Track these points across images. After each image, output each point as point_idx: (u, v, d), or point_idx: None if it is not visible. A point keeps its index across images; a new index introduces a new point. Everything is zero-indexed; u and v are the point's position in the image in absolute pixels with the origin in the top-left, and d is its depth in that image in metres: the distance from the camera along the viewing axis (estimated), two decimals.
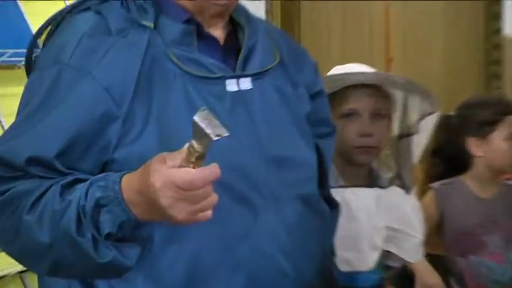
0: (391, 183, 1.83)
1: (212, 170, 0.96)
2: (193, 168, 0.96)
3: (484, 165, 2.21)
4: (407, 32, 4.35)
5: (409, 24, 4.35)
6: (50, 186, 1.07)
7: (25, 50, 1.24)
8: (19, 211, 1.07)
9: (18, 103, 1.16)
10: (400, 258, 1.80)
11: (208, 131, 0.93)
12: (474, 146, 2.19)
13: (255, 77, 1.19)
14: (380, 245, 1.72)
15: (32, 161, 1.07)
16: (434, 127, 2.10)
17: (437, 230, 2.23)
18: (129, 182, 1.02)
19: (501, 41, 3.87)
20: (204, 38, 1.18)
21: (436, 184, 2.27)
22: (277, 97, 1.22)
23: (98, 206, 1.02)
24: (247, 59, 1.20)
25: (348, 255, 1.66)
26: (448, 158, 2.28)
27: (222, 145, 0.96)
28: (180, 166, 0.96)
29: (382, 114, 1.79)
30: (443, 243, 2.24)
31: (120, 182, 1.02)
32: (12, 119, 1.15)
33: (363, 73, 1.79)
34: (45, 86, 1.11)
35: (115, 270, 1.06)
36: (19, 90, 1.19)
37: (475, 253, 2.16)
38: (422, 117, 1.84)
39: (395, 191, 1.81)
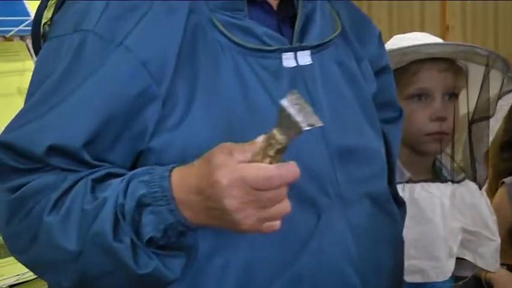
0: (458, 175, 1.73)
1: (291, 168, 0.89)
2: (270, 163, 0.88)
3: None
4: None
5: None
6: (77, 181, 0.98)
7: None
8: (38, 211, 0.98)
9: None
10: (475, 266, 1.71)
11: (298, 118, 0.85)
12: None
13: (315, 49, 1.11)
14: (456, 251, 1.63)
15: (54, 150, 0.98)
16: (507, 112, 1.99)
17: (510, 235, 2.10)
18: (181, 178, 0.94)
19: None
20: (255, 2, 1.10)
21: (508, 179, 2.15)
22: (341, 74, 1.15)
23: (140, 205, 0.95)
24: (304, 29, 1.12)
25: (422, 263, 1.58)
26: None
27: None
28: (251, 161, 0.90)
29: (455, 94, 1.70)
30: None
31: (169, 177, 0.94)
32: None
33: (440, 44, 1.69)
34: (65, 59, 1.02)
35: (155, 283, 0.99)
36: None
37: None
38: (501, 95, 1.73)
39: (469, 186, 1.71)
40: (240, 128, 1.00)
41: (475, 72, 1.70)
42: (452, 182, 1.68)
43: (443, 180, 1.68)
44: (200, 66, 1.03)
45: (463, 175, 1.72)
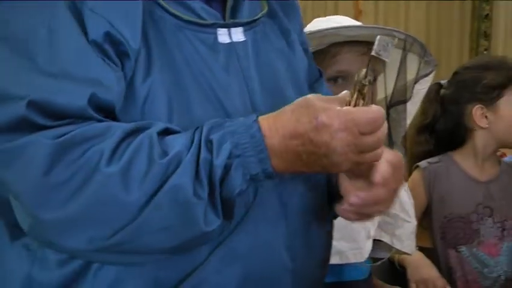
0: None
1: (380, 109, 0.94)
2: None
3: (487, 138, 2.09)
4: None
5: None
6: (130, 133, 0.92)
7: None
8: (91, 158, 0.90)
9: None
10: (391, 247, 1.73)
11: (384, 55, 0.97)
12: (478, 116, 2.05)
13: (247, 27, 1.12)
14: (373, 233, 1.64)
15: (95, 102, 0.93)
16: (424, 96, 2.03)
17: (423, 217, 2.11)
18: (272, 124, 0.94)
19: None
20: None
21: (423, 163, 2.15)
22: (271, 50, 1.16)
23: (230, 157, 0.92)
24: (235, 7, 1.13)
25: (341, 245, 1.58)
26: (441, 134, 2.14)
27: (213, 112, 0.97)
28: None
29: (374, 78, 1.62)
30: (429, 232, 2.12)
31: (258, 125, 0.94)
32: None
33: (359, 27, 1.67)
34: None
35: (203, 242, 0.97)
36: None
37: (466, 243, 2.05)
38: (418, 79, 1.74)
39: None
40: (190, 100, 1.01)
41: (394, 56, 1.67)
42: None
43: None
44: (149, 35, 1.02)
45: None
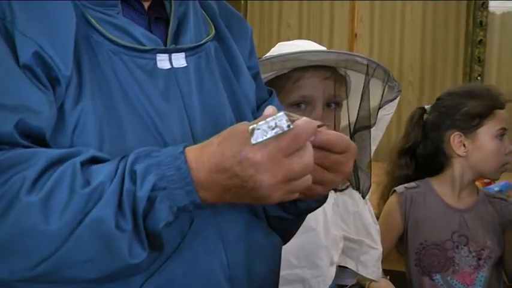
0: (342, 184, 1.70)
1: (305, 122, 0.91)
2: None
3: (464, 167, 2.08)
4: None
5: None
6: (55, 161, 0.92)
7: None
8: (14, 184, 0.89)
9: None
10: (356, 274, 1.70)
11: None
12: (456, 143, 2.04)
13: (190, 52, 1.11)
14: (337, 259, 1.62)
15: (22, 128, 0.93)
16: (407, 120, 2.12)
17: (398, 242, 2.11)
18: (199, 157, 0.92)
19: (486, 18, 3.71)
20: (125, 1, 1.10)
21: (400, 188, 2.13)
22: (216, 76, 1.15)
23: (155, 190, 0.90)
24: (178, 32, 1.12)
25: (303, 272, 1.57)
26: (421, 159, 2.14)
27: (150, 140, 0.97)
28: None
29: (336, 103, 1.66)
30: (405, 257, 2.12)
31: (185, 158, 0.92)
32: None
33: (321, 52, 1.65)
34: None
35: (130, 274, 0.96)
36: None
37: (441, 271, 2.03)
38: (382, 104, 1.72)
39: (352, 195, 1.71)
40: (123, 127, 1.00)
41: (357, 81, 1.69)
42: (336, 190, 1.66)
43: None
44: (82, 60, 1.02)
45: (346, 183, 1.70)
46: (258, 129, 0.89)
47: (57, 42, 0.99)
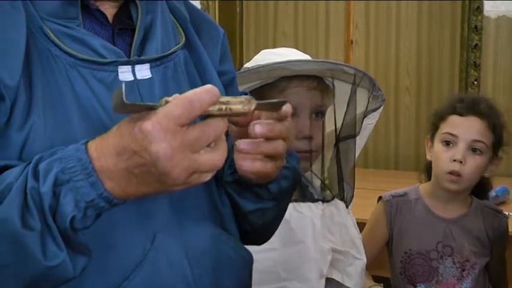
0: (326, 194, 1.74)
1: (204, 89, 0.86)
2: None
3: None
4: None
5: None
6: None
7: None
8: None
9: None
10: (341, 285, 1.70)
11: None
12: (428, 148, 2.08)
13: (155, 63, 1.09)
14: (326, 272, 1.62)
15: None
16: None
17: (382, 250, 2.12)
18: (99, 145, 0.89)
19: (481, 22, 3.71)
20: (88, 12, 1.08)
21: (386, 195, 2.14)
22: (184, 87, 1.11)
23: (58, 184, 0.88)
24: (144, 42, 1.10)
25: (292, 285, 1.57)
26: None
27: None
28: None
29: (322, 112, 1.69)
30: (390, 265, 2.13)
31: (86, 148, 0.89)
32: None
33: (307, 61, 1.65)
34: None
35: (53, 281, 0.92)
36: None
37: (425, 281, 2.03)
38: (367, 114, 1.74)
39: (338, 205, 1.72)
40: (77, 139, 0.96)
41: (342, 90, 1.70)
42: (323, 201, 1.67)
43: (313, 199, 1.67)
44: (34, 75, 1.01)
45: (331, 194, 1.72)
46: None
47: (3, 57, 0.98)
